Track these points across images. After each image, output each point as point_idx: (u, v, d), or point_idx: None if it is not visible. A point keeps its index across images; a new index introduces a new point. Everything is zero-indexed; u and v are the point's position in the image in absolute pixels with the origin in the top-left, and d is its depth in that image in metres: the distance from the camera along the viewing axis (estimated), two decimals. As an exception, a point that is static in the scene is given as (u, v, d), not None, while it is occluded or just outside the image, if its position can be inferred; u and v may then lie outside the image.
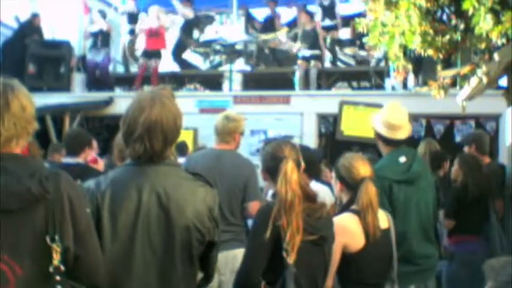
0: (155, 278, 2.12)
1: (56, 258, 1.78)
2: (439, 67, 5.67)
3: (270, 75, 11.25)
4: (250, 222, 3.88)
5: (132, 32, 11.59)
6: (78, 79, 11.17)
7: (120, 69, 12.15)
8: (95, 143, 5.43)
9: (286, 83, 10.46)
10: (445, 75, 5.55)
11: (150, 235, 2.11)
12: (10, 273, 1.74)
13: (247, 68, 11.22)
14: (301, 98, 9.73)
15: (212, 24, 13.04)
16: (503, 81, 5.33)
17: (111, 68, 11.69)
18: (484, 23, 4.35)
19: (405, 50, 5.35)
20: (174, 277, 2.13)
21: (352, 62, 11.51)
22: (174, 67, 11.64)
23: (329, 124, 10.71)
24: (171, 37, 11.53)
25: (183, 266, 2.15)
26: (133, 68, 12.49)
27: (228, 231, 3.86)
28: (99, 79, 11.21)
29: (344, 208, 3.05)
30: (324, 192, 4.11)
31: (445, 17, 5.36)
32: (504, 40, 4.61)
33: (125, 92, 11.52)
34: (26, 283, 1.76)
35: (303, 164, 2.73)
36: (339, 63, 11.29)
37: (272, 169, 2.65)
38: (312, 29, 10.38)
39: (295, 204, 2.53)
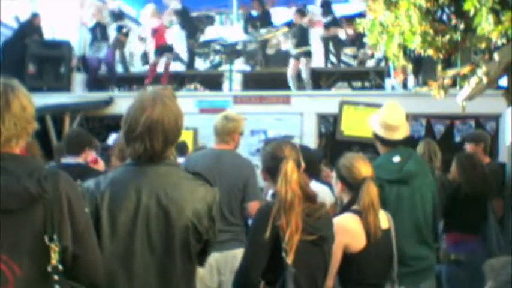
0: (155, 277, 2.12)
1: (54, 258, 1.78)
2: (439, 67, 5.67)
3: (270, 75, 11.24)
4: (250, 222, 3.88)
5: (119, 29, 11.54)
6: (78, 79, 11.15)
7: (120, 69, 12.13)
8: (97, 143, 5.44)
9: (286, 83, 10.46)
10: (445, 75, 5.54)
11: (149, 235, 2.11)
12: (9, 272, 1.74)
13: (247, 68, 11.22)
14: (301, 98, 9.73)
15: (213, 24, 13.05)
16: (503, 81, 5.33)
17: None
18: (486, 24, 4.35)
19: (405, 50, 5.35)
20: (174, 276, 2.14)
21: (352, 62, 11.51)
22: (174, 67, 11.65)
23: (329, 124, 10.71)
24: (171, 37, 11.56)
25: (183, 264, 2.15)
26: (133, 68, 12.51)
27: (227, 231, 3.86)
28: (99, 79, 11.19)
29: (345, 208, 3.05)
30: (324, 192, 4.11)
31: (445, 17, 5.36)
32: (504, 40, 4.61)
33: (124, 92, 11.51)
34: (25, 282, 1.76)
35: (303, 164, 2.73)
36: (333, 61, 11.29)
37: (272, 169, 2.65)
38: (300, 24, 10.33)
39: (295, 204, 2.52)
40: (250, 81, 10.91)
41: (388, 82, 9.79)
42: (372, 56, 10.67)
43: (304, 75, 10.04)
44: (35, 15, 11.11)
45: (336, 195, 3.37)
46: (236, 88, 10.48)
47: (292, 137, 8.45)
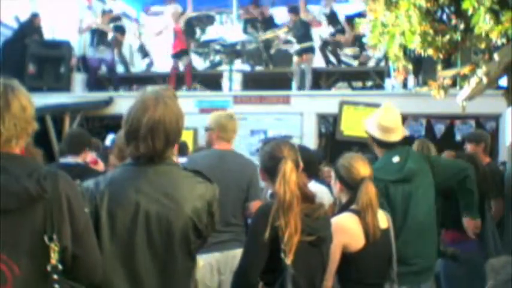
0: (155, 277, 2.12)
1: (54, 258, 1.78)
2: (439, 67, 5.68)
3: (270, 75, 11.25)
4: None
5: (116, 29, 11.54)
6: (78, 79, 11.14)
7: (120, 69, 12.14)
8: (98, 143, 5.44)
9: (286, 83, 10.46)
10: (445, 75, 5.55)
11: (149, 234, 2.11)
12: (8, 272, 1.75)
13: (247, 68, 11.22)
14: (301, 98, 9.74)
15: (213, 24, 13.04)
16: (503, 81, 5.33)
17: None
18: (484, 23, 4.35)
19: (405, 50, 5.35)
20: (175, 274, 2.14)
21: (352, 62, 11.51)
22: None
23: (329, 124, 10.71)
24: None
25: (183, 261, 2.16)
26: (133, 68, 12.52)
27: (228, 231, 3.86)
28: (100, 78, 11.19)
29: (344, 208, 3.05)
30: (323, 193, 4.11)
31: (445, 17, 5.36)
32: (504, 40, 4.61)
33: (124, 92, 11.51)
34: (24, 282, 1.77)
35: (301, 164, 2.72)
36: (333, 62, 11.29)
37: (271, 169, 2.64)
38: (300, 19, 10.31)
39: (294, 205, 2.52)
40: (250, 81, 10.91)
41: (388, 82, 9.79)
42: (372, 57, 10.68)
43: (308, 74, 10.03)
44: (35, 15, 11.12)
45: (335, 195, 3.37)
46: (236, 88, 10.47)
47: (291, 137, 8.44)
